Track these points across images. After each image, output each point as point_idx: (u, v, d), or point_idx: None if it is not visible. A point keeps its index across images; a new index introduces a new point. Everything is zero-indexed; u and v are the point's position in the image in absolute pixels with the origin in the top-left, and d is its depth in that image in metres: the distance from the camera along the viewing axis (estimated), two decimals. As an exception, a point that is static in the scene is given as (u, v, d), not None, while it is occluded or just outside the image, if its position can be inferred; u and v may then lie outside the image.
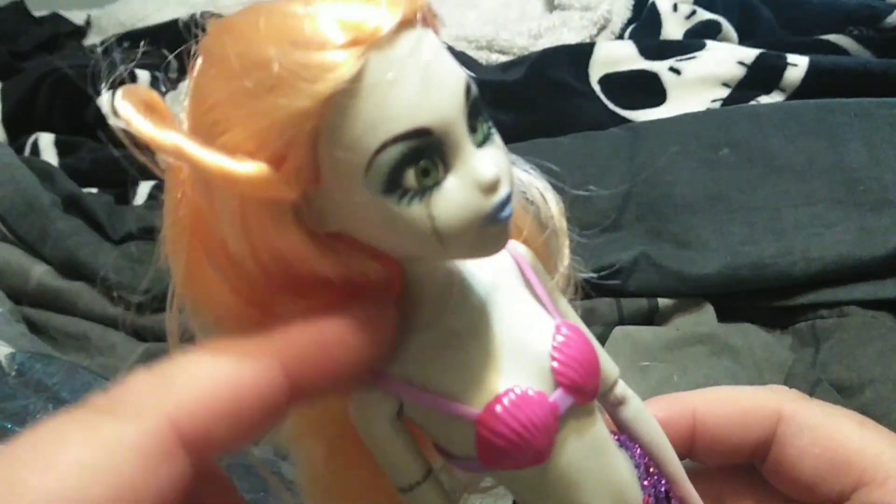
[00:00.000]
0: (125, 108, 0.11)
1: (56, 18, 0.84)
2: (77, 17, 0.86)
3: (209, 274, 0.13)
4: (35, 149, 0.59)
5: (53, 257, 0.46)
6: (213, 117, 0.11)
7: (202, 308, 0.14)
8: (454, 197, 0.11)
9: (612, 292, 0.43)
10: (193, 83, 0.12)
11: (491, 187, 0.11)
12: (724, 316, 0.42)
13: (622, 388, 0.16)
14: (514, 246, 0.15)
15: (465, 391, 0.13)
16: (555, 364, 0.13)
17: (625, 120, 0.54)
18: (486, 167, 0.11)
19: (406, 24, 0.11)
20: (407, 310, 0.13)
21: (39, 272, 0.45)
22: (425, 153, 0.11)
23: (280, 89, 0.11)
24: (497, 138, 0.12)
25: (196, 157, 0.11)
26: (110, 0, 0.87)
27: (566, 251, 0.15)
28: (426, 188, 0.11)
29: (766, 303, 0.42)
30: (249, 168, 0.11)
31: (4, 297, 0.44)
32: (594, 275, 0.16)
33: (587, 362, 0.14)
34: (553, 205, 0.15)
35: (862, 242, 0.40)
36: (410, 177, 0.11)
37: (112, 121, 0.11)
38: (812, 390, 0.35)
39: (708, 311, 0.42)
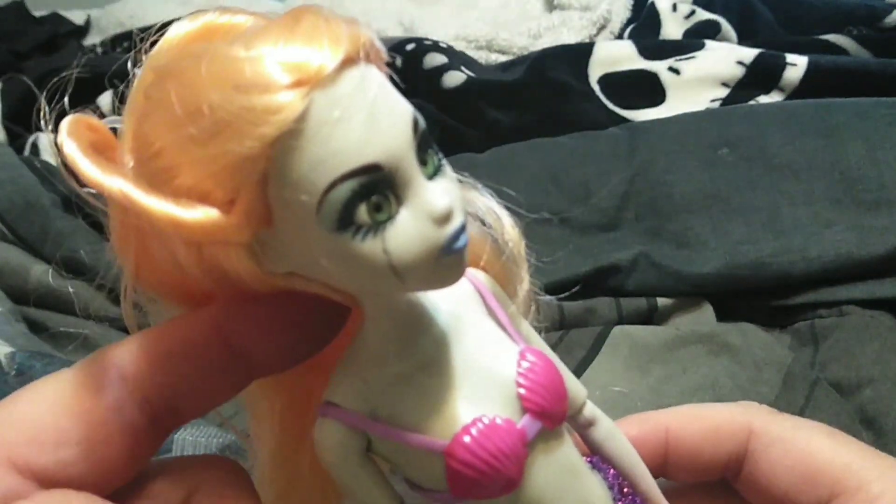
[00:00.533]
0: (70, 147, 0.11)
1: (56, 18, 0.84)
2: (77, 16, 0.86)
3: (158, 272, 0.13)
4: (35, 149, 0.59)
5: (53, 257, 0.46)
6: (159, 164, 0.11)
7: (155, 297, 0.14)
8: (408, 230, 0.11)
9: (611, 292, 0.43)
10: (135, 125, 0.12)
11: (444, 218, 0.11)
12: (723, 315, 0.42)
13: (591, 410, 0.16)
14: (474, 273, 0.15)
15: (432, 423, 0.13)
16: (521, 390, 0.13)
17: (624, 120, 0.54)
18: (438, 199, 0.11)
19: (349, 62, 0.11)
20: (370, 344, 0.13)
21: (39, 272, 0.45)
22: (377, 188, 0.11)
23: (225, 134, 0.11)
24: (447, 169, 0.12)
25: (142, 205, 0.11)
26: (110, 0, 0.87)
27: (525, 276, 0.15)
28: (379, 223, 0.11)
29: (765, 302, 0.42)
30: (197, 215, 0.11)
31: (4, 297, 0.44)
32: (553, 298, 0.16)
33: (553, 387, 0.14)
34: (510, 230, 0.15)
35: (861, 242, 0.40)
36: (363, 212, 0.11)
37: (56, 159, 0.11)
38: (811, 390, 0.35)
39: (707, 311, 0.42)
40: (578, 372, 0.38)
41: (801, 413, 0.34)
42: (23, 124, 0.63)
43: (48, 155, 0.59)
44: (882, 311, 0.39)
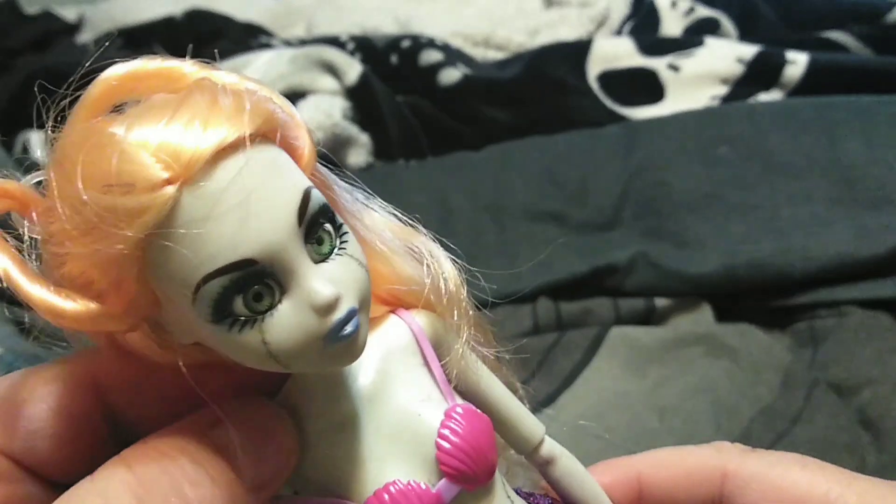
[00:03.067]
0: None
1: (48, 16, 0.83)
2: (69, 13, 0.85)
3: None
4: (26, 147, 0.59)
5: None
6: (50, 249, 0.11)
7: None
8: (288, 321, 0.11)
9: (608, 292, 0.42)
10: (45, 204, 0.12)
11: (327, 309, 0.11)
12: (721, 316, 0.41)
13: (549, 448, 0.16)
14: (416, 319, 0.15)
15: (348, 485, 0.13)
16: (439, 453, 0.13)
17: (623, 117, 0.54)
18: (321, 288, 0.11)
19: (228, 149, 0.11)
20: (291, 401, 0.13)
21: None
22: (254, 280, 0.11)
23: (95, 234, 0.11)
24: (351, 245, 0.12)
25: (22, 289, 0.11)
26: (103, -4, 0.86)
27: (463, 325, 0.15)
28: (259, 313, 0.11)
29: (765, 302, 0.41)
30: (74, 307, 0.11)
31: (-6, 298, 0.43)
32: (495, 350, 0.15)
33: (476, 449, 0.13)
34: (450, 272, 0.15)
35: (860, 241, 0.40)
36: (239, 304, 0.11)
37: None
38: (810, 391, 0.35)
39: (706, 311, 0.41)
40: (575, 373, 0.38)
41: (800, 415, 0.34)
42: (14, 123, 0.62)
43: (39, 153, 0.58)
44: (881, 311, 0.38)
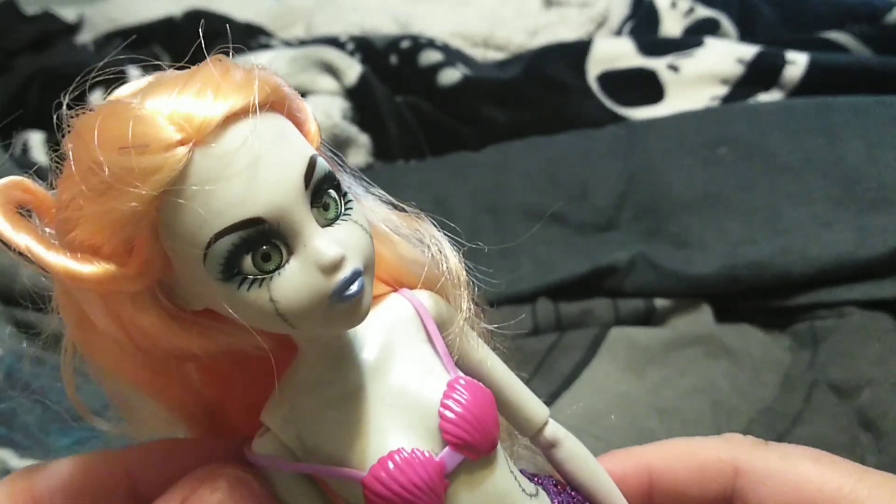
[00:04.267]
0: None
1: (47, 16, 0.83)
2: (69, 14, 0.85)
3: (96, 335, 0.14)
4: (25, 147, 0.59)
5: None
6: (64, 215, 0.12)
7: (95, 358, 0.14)
8: (295, 280, 0.12)
9: (608, 292, 0.42)
10: (60, 179, 0.13)
11: (332, 268, 0.12)
12: (721, 316, 0.41)
13: (553, 430, 0.16)
14: (418, 296, 0.15)
15: (352, 453, 0.13)
16: (442, 422, 0.13)
17: (622, 118, 0.53)
18: (326, 248, 0.12)
19: (237, 115, 0.12)
20: (299, 372, 0.14)
21: (27, 273, 0.45)
22: (262, 240, 0.12)
23: (111, 193, 0.11)
24: (356, 212, 0.13)
25: (43, 259, 0.12)
26: (103, -3, 0.86)
27: (463, 303, 0.15)
28: (267, 272, 0.12)
29: (764, 303, 0.41)
30: (91, 268, 0.12)
31: (-7, 299, 0.43)
32: (492, 327, 0.16)
33: (479, 419, 0.14)
34: (449, 254, 0.15)
35: (861, 242, 0.40)
36: (248, 263, 0.12)
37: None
38: (809, 392, 0.35)
39: (705, 312, 0.41)
40: (575, 374, 0.38)
41: (800, 416, 0.34)
42: (13, 123, 0.62)
43: (38, 154, 0.58)
44: (881, 312, 0.38)
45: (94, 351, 0.14)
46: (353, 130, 0.55)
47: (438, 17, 0.71)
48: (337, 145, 0.55)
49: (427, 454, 0.13)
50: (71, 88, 0.13)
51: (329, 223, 0.12)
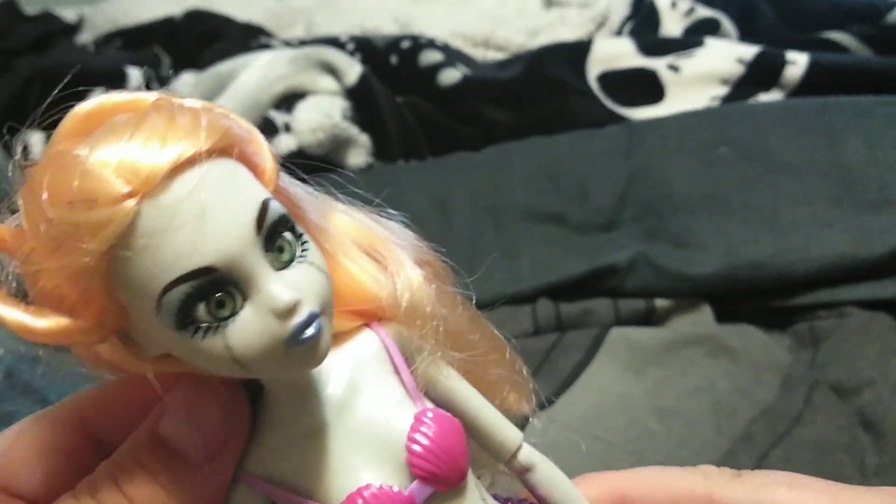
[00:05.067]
0: None
1: (48, 16, 0.83)
2: (69, 14, 0.85)
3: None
4: (25, 148, 0.59)
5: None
6: (26, 267, 0.12)
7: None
8: (249, 326, 0.12)
9: (608, 293, 0.42)
10: (17, 230, 0.13)
11: (287, 312, 0.12)
12: (722, 317, 0.41)
13: (527, 455, 0.16)
14: (383, 328, 0.15)
15: (321, 489, 0.13)
16: (410, 456, 0.13)
17: (623, 118, 0.53)
18: (280, 293, 0.12)
19: (185, 163, 0.12)
20: (266, 409, 0.14)
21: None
22: (216, 287, 0.12)
23: (62, 249, 0.11)
24: (312, 253, 0.13)
25: None
26: (103, -3, 0.86)
27: (428, 332, 0.15)
28: (222, 319, 0.12)
29: (765, 303, 0.41)
30: (45, 323, 0.12)
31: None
32: (465, 355, 0.15)
33: (447, 451, 0.14)
34: (414, 283, 0.15)
35: (861, 242, 0.40)
36: (202, 312, 0.12)
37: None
38: (810, 392, 0.35)
39: (706, 312, 0.41)
40: (575, 374, 0.38)
41: (800, 416, 0.34)
42: (13, 123, 0.62)
43: (38, 154, 0.58)
44: (882, 312, 0.38)
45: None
46: (353, 130, 0.55)
47: (439, 17, 0.71)
48: (337, 145, 0.55)
49: (396, 489, 0.13)
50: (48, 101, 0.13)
51: (284, 266, 0.12)
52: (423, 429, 0.14)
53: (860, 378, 0.35)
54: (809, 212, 0.42)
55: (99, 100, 0.13)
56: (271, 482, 0.14)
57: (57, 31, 0.80)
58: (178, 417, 0.13)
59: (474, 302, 0.17)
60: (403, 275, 0.15)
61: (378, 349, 0.15)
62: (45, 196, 0.11)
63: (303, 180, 0.15)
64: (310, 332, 0.12)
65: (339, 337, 0.14)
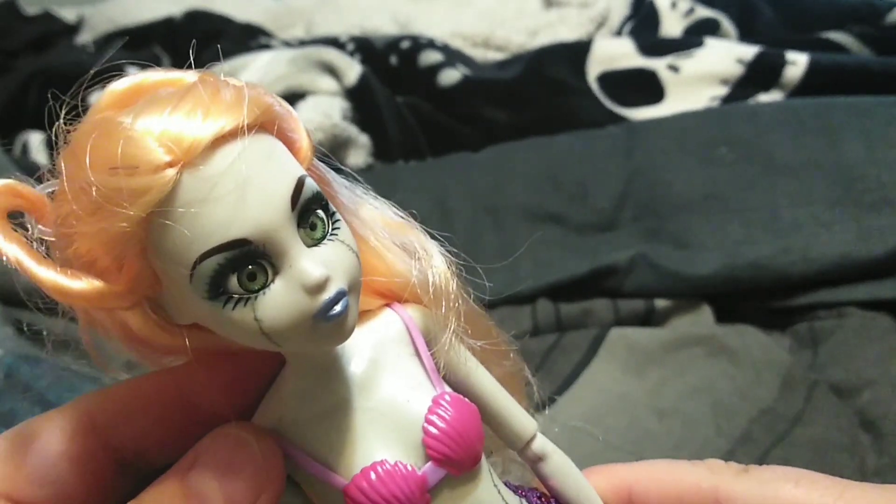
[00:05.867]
0: None
1: (48, 16, 0.83)
2: (69, 14, 0.85)
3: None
4: (25, 148, 0.59)
5: (43, 258, 0.45)
6: (61, 230, 0.12)
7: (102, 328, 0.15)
8: (279, 300, 0.12)
9: (608, 293, 0.42)
10: (56, 191, 0.13)
11: (317, 288, 0.12)
12: (721, 317, 0.41)
13: (541, 445, 0.16)
14: (407, 310, 0.15)
15: (338, 461, 0.14)
16: (426, 437, 0.14)
17: (622, 118, 0.53)
18: (311, 269, 0.12)
19: (227, 137, 0.12)
20: (287, 382, 0.14)
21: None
22: (248, 260, 0.12)
23: (101, 213, 0.12)
24: (343, 232, 0.13)
25: (32, 272, 0.12)
26: (103, -3, 0.86)
27: (451, 317, 0.15)
28: (252, 292, 0.12)
29: (764, 303, 0.41)
30: (80, 285, 0.12)
31: (-7, 299, 0.43)
32: (480, 343, 0.16)
33: (462, 435, 0.14)
34: (438, 266, 0.15)
35: (861, 242, 0.40)
36: (234, 283, 0.12)
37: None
38: (810, 392, 0.35)
39: (705, 312, 0.41)
40: (575, 374, 0.38)
41: (800, 416, 0.34)
42: (13, 124, 0.62)
43: (38, 155, 0.58)
44: (882, 312, 0.38)
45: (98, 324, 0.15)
46: (353, 131, 0.55)
47: (438, 17, 0.71)
48: (337, 146, 0.55)
49: (410, 468, 0.13)
50: (68, 94, 0.13)
51: (315, 243, 0.12)
52: (440, 411, 0.14)
53: (860, 378, 0.35)
54: (809, 212, 0.42)
55: (142, 76, 0.13)
56: (295, 447, 0.14)
57: (57, 32, 0.80)
58: (211, 474, 0.13)
59: (486, 301, 0.17)
60: (432, 259, 0.15)
61: (401, 330, 0.15)
62: (87, 160, 0.11)
63: (338, 170, 0.15)
64: (338, 308, 0.12)
65: (363, 315, 0.15)
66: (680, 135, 0.47)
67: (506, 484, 0.16)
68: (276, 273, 0.12)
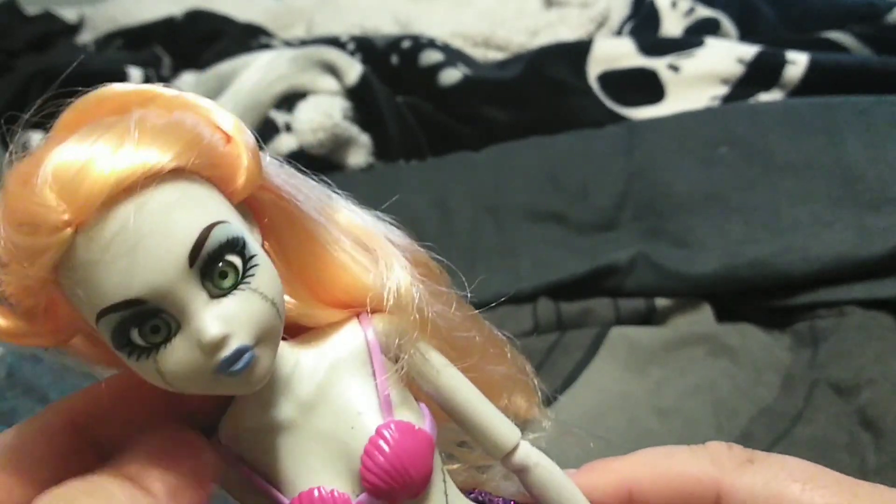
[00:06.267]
0: None
1: (48, 16, 0.83)
2: (70, 14, 0.85)
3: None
4: (25, 149, 0.59)
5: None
6: None
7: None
8: (179, 354, 0.12)
9: (609, 292, 0.42)
10: None
11: (213, 348, 0.12)
12: (722, 316, 0.41)
13: (524, 454, 0.15)
14: (372, 326, 0.15)
15: (281, 480, 0.14)
16: (362, 468, 0.13)
17: (623, 118, 0.53)
18: (207, 327, 0.12)
19: (129, 189, 0.12)
20: (238, 401, 0.14)
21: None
22: (149, 316, 0.12)
23: (10, 266, 0.12)
24: (258, 278, 0.12)
25: None
26: (104, -3, 0.86)
27: (413, 329, 0.15)
28: (155, 345, 0.12)
29: (765, 303, 0.41)
30: (5, 324, 0.13)
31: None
32: (454, 351, 0.15)
33: (401, 468, 0.13)
34: (401, 282, 0.15)
35: (861, 241, 0.40)
36: (136, 336, 0.12)
37: None
38: (810, 391, 0.35)
39: (706, 311, 0.41)
40: (576, 373, 0.38)
41: (801, 415, 0.34)
42: (14, 123, 0.62)
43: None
44: (882, 311, 0.38)
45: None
46: (353, 130, 0.55)
47: (439, 17, 0.71)
48: (337, 145, 0.55)
49: (345, 496, 0.13)
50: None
51: (225, 293, 0.12)
52: (381, 443, 0.14)
53: (860, 377, 0.35)
54: (809, 211, 0.42)
55: (101, 93, 0.13)
56: (242, 458, 0.14)
57: (57, 31, 0.80)
58: (145, 460, 0.13)
59: (472, 301, 0.16)
60: (394, 268, 0.15)
61: (360, 348, 0.14)
62: (2, 210, 0.12)
63: (305, 173, 0.15)
64: (238, 365, 0.12)
65: (327, 328, 0.14)
66: (680, 134, 0.47)
67: (476, 495, 0.15)
68: (178, 327, 0.12)
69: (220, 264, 0.12)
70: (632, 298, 0.42)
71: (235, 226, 0.12)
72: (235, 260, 0.12)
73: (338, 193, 0.15)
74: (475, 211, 0.47)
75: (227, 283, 0.12)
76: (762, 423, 0.34)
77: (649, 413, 0.35)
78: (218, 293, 0.12)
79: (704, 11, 0.64)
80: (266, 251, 0.13)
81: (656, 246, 0.43)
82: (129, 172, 0.11)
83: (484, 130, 0.56)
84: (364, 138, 0.56)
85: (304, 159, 0.62)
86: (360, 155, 0.55)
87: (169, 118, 0.12)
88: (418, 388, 0.15)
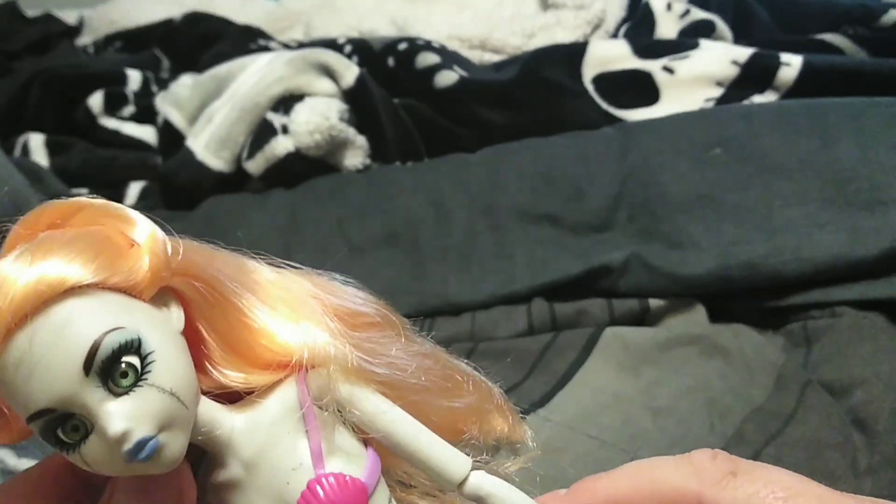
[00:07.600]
0: None
1: (48, 18, 0.84)
2: (69, 16, 0.85)
3: None
4: (25, 149, 0.59)
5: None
6: None
7: None
8: (96, 449, 0.13)
9: (603, 293, 0.43)
10: None
11: (118, 441, 0.13)
12: (715, 316, 0.42)
13: (475, 486, 0.16)
14: (308, 383, 0.15)
15: None
16: None
17: (618, 119, 0.54)
18: (110, 425, 0.13)
19: (20, 323, 0.13)
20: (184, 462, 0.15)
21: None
22: (65, 419, 0.13)
23: None
24: (156, 374, 0.14)
25: None
26: (103, -1, 0.87)
27: (336, 384, 0.15)
28: (78, 441, 0.13)
29: (758, 303, 0.42)
30: None
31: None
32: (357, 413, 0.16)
33: None
34: (320, 343, 0.15)
35: (854, 242, 0.40)
36: (62, 434, 0.13)
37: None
38: (802, 391, 0.35)
39: (699, 312, 0.42)
40: (570, 374, 0.38)
41: (793, 415, 0.34)
42: (13, 125, 0.62)
43: (39, 156, 0.59)
44: (875, 312, 0.39)
45: None
46: (350, 132, 0.55)
47: (435, 19, 0.71)
48: (334, 147, 0.55)
49: None
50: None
51: (126, 391, 0.13)
52: (310, 498, 0.14)
53: (853, 377, 0.35)
54: (803, 212, 0.42)
55: (30, 213, 0.14)
56: None
57: (57, 33, 0.81)
58: (131, 495, 0.14)
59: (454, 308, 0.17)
60: (309, 326, 0.15)
61: (293, 404, 0.15)
62: None
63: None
64: (142, 454, 0.13)
65: (270, 389, 0.15)
66: (674, 136, 0.47)
67: None
68: (92, 425, 0.13)
69: (122, 365, 0.13)
70: (626, 299, 0.42)
71: (130, 329, 0.13)
72: (133, 360, 0.13)
73: (254, 257, 0.16)
74: (470, 212, 0.47)
75: (127, 381, 0.13)
76: (755, 423, 0.34)
77: (643, 413, 0.35)
78: (120, 392, 0.13)
79: (699, 14, 0.65)
80: (200, 328, 0.15)
81: (650, 247, 0.43)
82: (21, 304, 0.13)
83: (480, 132, 0.56)
84: (361, 140, 0.56)
85: (300, 161, 0.62)
86: (356, 157, 0.56)
87: (68, 237, 0.13)
88: (365, 432, 0.16)
